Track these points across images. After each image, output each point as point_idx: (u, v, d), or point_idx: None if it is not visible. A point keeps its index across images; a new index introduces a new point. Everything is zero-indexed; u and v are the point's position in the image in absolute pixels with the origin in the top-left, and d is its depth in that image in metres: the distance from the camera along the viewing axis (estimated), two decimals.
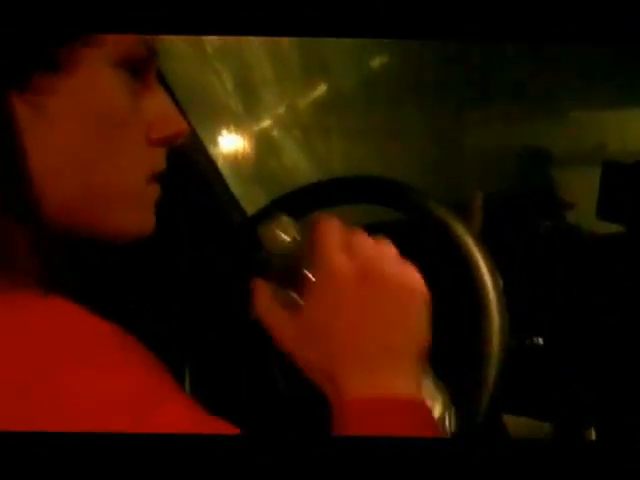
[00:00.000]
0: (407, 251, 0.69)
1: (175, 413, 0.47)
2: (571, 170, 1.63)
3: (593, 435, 1.04)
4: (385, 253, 0.66)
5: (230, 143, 2.07)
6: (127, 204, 0.59)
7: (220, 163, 1.42)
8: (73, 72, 0.53)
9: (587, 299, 1.07)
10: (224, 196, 1.37)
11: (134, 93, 0.57)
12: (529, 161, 1.65)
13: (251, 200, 1.39)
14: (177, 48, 1.50)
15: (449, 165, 1.74)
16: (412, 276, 0.67)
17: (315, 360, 0.63)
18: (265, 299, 0.67)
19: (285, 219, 0.68)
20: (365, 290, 0.63)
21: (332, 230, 0.66)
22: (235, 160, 1.94)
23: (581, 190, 1.45)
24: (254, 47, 1.71)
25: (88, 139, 0.55)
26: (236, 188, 1.40)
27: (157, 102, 0.60)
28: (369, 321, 0.63)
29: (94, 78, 0.54)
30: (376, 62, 1.77)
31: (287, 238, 0.67)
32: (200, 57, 1.64)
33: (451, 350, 0.84)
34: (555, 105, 1.71)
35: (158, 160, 0.61)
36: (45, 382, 0.45)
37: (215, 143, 1.82)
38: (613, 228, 1.15)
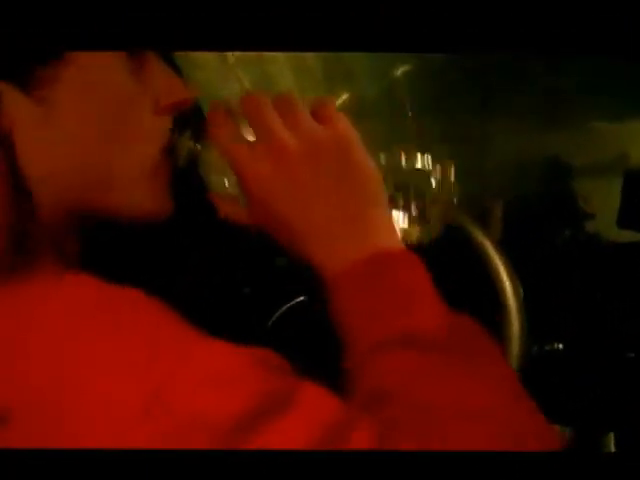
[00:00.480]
0: (427, 258, 0.69)
1: (216, 346, 0.47)
2: (592, 180, 1.63)
3: (612, 441, 1.04)
4: (300, 122, 0.61)
5: None
6: (146, 179, 0.59)
7: None
8: (72, 59, 0.54)
9: (606, 306, 1.07)
10: None
11: (134, 69, 0.58)
12: (550, 171, 1.64)
13: None
14: (199, 56, 1.51)
15: (469, 173, 1.74)
16: (337, 129, 0.62)
17: (293, 246, 0.62)
18: (228, 205, 0.65)
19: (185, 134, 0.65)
20: (295, 169, 0.60)
21: (226, 130, 0.62)
22: None
23: (602, 200, 1.44)
24: (276, 56, 1.72)
25: (100, 121, 0.56)
26: None
27: (158, 73, 0.61)
28: (316, 195, 0.60)
29: (93, 61, 0.55)
30: (399, 71, 1.78)
31: (191, 144, 0.65)
32: (222, 65, 1.65)
33: None
34: (576, 115, 1.71)
35: (169, 132, 0.62)
36: (83, 348, 0.45)
37: None
38: (634, 237, 1.15)
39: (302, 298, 1.03)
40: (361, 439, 0.45)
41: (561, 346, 1.05)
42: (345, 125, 0.62)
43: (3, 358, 0.46)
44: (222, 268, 1.09)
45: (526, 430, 0.51)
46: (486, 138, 1.81)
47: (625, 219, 1.16)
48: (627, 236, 1.17)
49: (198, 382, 0.44)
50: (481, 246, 0.88)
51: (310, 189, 0.60)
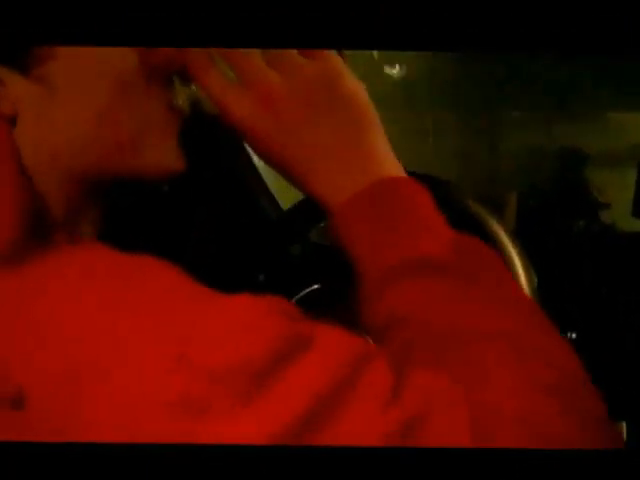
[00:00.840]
0: None
1: (232, 299, 0.47)
2: (607, 170, 1.63)
3: (624, 430, 1.04)
4: (283, 57, 0.60)
5: None
6: (155, 137, 0.60)
7: (256, 159, 1.43)
8: None
9: (620, 296, 1.06)
10: (261, 191, 1.38)
11: None
12: (564, 161, 1.64)
13: (287, 196, 1.40)
14: None
15: (485, 163, 1.74)
16: (323, 60, 0.60)
17: (296, 184, 0.61)
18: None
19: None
20: (284, 108, 0.59)
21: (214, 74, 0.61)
22: None
23: (617, 190, 1.44)
24: None
25: (100, 90, 0.56)
26: (271, 183, 1.41)
27: None
28: (309, 131, 0.59)
29: None
30: (414, 61, 1.77)
31: (187, 89, 0.64)
32: None
33: None
34: (591, 106, 1.70)
35: (167, 88, 0.61)
36: (98, 319, 0.45)
37: None
38: None
39: (316, 286, 1.03)
40: (378, 369, 0.46)
41: (574, 336, 1.05)
42: (331, 55, 0.61)
43: (16, 340, 0.46)
44: (237, 256, 1.10)
45: (542, 349, 0.51)
46: (501, 129, 1.80)
47: None
48: None
49: (218, 334, 0.44)
50: (496, 235, 0.88)
51: (302, 126, 0.59)
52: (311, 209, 1.25)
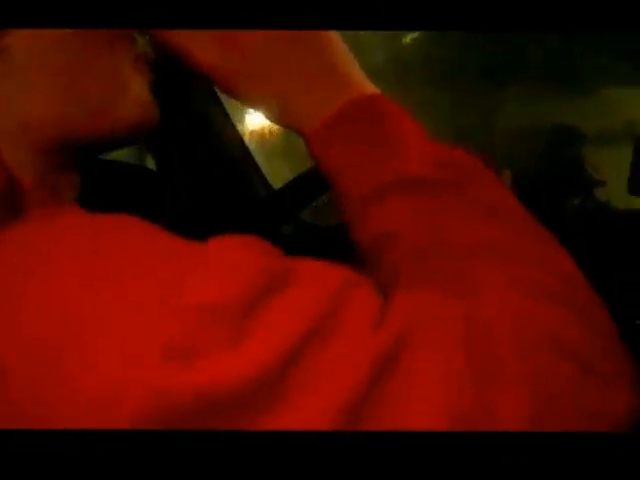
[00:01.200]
0: None
1: (212, 243, 0.46)
2: (602, 147, 1.62)
3: None
4: None
5: (257, 120, 2.08)
6: (124, 89, 0.59)
7: (247, 139, 1.43)
8: None
9: (617, 274, 1.06)
10: (252, 171, 1.37)
11: None
12: (559, 139, 1.63)
13: (278, 175, 1.39)
14: None
15: (479, 141, 1.73)
16: None
17: (275, 120, 0.59)
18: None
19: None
20: (247, 45, 0.57)
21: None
22: (262, 137, 1.93)
23: (612, 167, 1.43)
24: None
25: (62, 54, 0.55)
26: (263, 163, 1.41)
27: None
28: (276, 63, 0.57)
29: None
30: (407, 39, 1.76)
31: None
32: None
33: None
34: (586, 82, 1.69)
35: (132, 42, 0.60)
36: (77, 279, 0.44)
37: (242, 120, 1.82)
38: None
39: None
40: (364, 294, 0.45)
41: None
42: None
43: None
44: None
45: (537, 257, 0.50)
46: (495, 106, 1.79)
47: (636, 186, 1.15)
48: (638, 203, 1.16)
49: (200, 277, 0.44)
50: None
51: (268, 60, 0.57)
52: (303, 188, 1.24)
